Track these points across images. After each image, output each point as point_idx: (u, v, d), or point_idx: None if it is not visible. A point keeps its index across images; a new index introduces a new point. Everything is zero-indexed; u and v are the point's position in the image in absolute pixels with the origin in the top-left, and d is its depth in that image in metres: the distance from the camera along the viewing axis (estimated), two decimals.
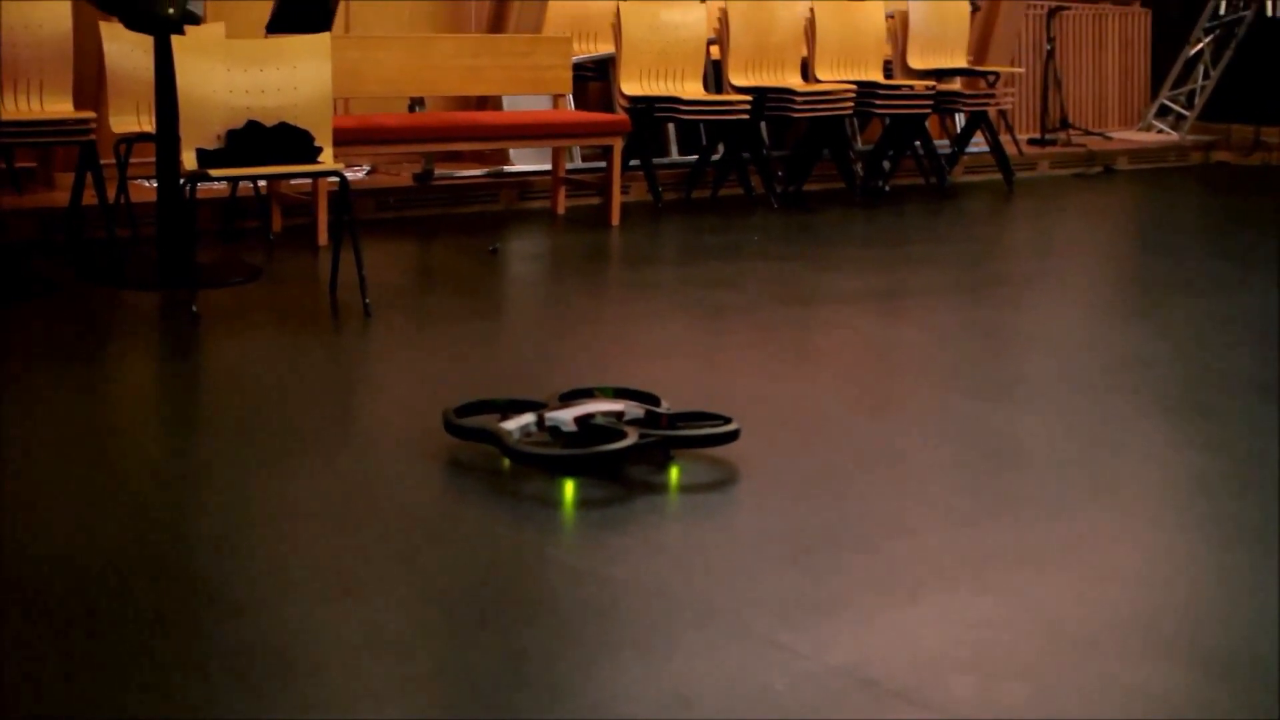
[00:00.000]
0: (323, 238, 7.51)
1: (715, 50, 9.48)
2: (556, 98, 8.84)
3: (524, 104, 8.94)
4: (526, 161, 9.06)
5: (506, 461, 4.10)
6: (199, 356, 5.44)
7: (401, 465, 4.14)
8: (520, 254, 7.71)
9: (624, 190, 8.66)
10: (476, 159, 9.08)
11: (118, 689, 2.78)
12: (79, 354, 5.39)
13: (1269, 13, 12.13)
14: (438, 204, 8.64)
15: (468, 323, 6.01)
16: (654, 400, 4.43)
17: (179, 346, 5.57)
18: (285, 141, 5.99)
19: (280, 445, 4.32)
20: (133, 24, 6.46)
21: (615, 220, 8.38)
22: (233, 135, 5.95)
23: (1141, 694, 2.84)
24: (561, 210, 8.75)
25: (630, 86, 8.94)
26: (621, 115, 8.72)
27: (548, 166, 8.88)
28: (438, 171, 8.74)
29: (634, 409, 4.26)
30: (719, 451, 4.20)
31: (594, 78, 9.60)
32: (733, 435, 4.19)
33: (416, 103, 8.61)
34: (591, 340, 5.81)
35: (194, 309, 5.78)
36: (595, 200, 8.78)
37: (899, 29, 10.09)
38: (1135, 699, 2.82)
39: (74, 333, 5.70)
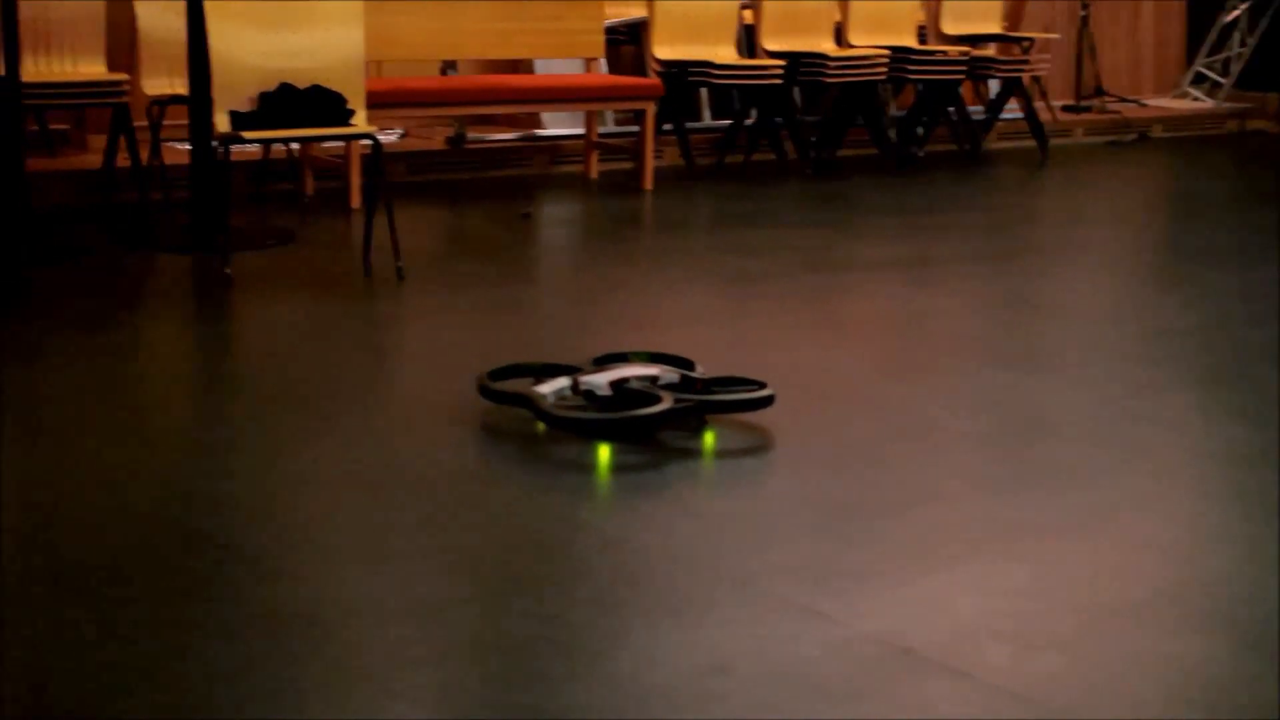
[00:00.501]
0: (355, 201, 7.52)
1: (748, 14, 9.45)
2: (589, 61, 8.81)
3: (556, 68, 8.92)
4: (559, 125, 9.05)
5: (541, 426, 4.10)
6: (231, 320, 5.45)
7: (435, 430, 4.15)
8: (553, 219, 7.71)
9: (657, 155, 8.65)
10: (509, 123, 9.07)
11: (150, 652, 2.79)
12: (111, 317, 5.41)
13: None
14: (470, 168, 8.64)
15: (500, 287, 6.01)
16: (689, 365, 4.42)
17: (211, 310, 5.58)
18: (318, 104, 6.00)
19: (313, 410, 4.33)
20: None
21: (648, 185, 8.37)
22: (265, 98, 5.96)
23: (1176, 665, 2.83)
24: (594, 175, 8.74)
25: (663, 51, 8.91)
26: (654, 79, 8.69)
27: (580, 131, 8.87)
28: (470, 135, 8.74)
29: (669, 373, 4.26)
30: (752, 417, 4.20)
31: (626, 42, 9.57)
32: (768, 400, 4.18)
33: (448, 66, 8.60)
34: (623, 306, 5.80)
35: (227, 272, 5.80)
36: (628, 165, 8.76)
37: None
38: (1170, 670, 2.81)
39: (106, 296, 5.72)
